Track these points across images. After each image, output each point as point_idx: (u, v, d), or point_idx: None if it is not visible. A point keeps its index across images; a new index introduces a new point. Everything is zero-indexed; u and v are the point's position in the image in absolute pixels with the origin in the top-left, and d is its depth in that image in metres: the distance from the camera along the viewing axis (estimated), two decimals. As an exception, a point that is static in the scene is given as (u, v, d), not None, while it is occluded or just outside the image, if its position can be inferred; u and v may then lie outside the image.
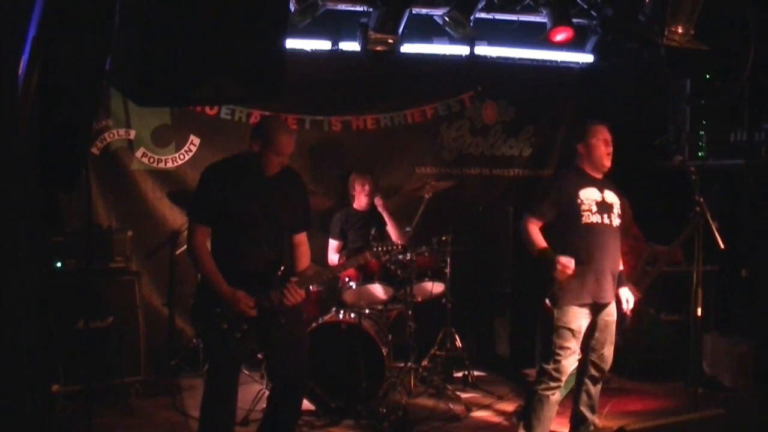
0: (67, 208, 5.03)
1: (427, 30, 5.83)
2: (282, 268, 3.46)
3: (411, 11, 5.32)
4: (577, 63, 6.40)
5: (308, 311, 5.01)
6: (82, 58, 2.25)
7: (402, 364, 5.10)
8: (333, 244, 5.54)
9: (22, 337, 2.02)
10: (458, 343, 5.48)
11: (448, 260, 5.35)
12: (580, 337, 3.82)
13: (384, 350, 4.64)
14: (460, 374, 5.43)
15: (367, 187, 5.50)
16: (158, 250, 5.63)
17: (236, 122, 5.77)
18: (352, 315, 4.72)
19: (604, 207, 3.86)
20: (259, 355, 4.80)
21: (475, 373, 5.41)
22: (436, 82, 6.20)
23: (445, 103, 6.31)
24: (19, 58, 2.08)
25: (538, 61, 6.34)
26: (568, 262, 3.69)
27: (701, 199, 3.99)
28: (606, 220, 3.85)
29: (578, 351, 3.87)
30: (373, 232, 4.95)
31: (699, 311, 4.00)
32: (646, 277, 4.83)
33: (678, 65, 5.25)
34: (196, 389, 4.92)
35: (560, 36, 5.47)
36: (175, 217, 5.58)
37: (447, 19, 5.43)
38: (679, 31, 4.96)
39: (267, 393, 3.94)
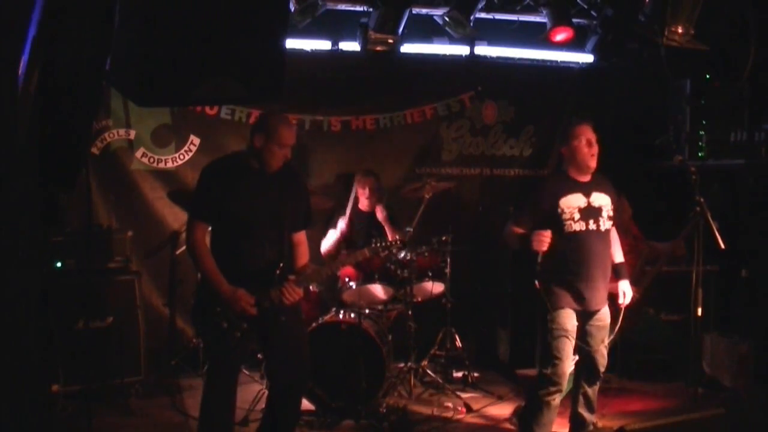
0: (67, 208, 5.02)
1: (427, 30, 5.82)
2: (281, 266, 3.46)
3: (411, 11, 5.31)
4: (577, 63, 6.40)
5: (308, 311, 5.02)
6: (82, 58, 2.25)
7: (402, 364, 5.10)
8: (330, 236, 5.47)
9: (22, 337, 2.02)
10: (458, 343, 5.48)
11: (448, 260, 5.35)
12: (575, 338, 3.82)
13: (384, 350, 4.64)
14: (460, 374, 5.43)
15: (367, 190, 5.45)
16: (158, 250, 5.63)
17: (236, 122, 5.77)
18: (352, 315, 4.72)
19: (589, 212, 3.78)
20: (259, 355, 4.81)
21: (475, 373, 5.41)
22: (436, 82, 6.20)
23: (445, 103, 6.31)
24: (19, 58, 2.08)
25: (538, 61, 6.34)
26: (542, 233, 3.66)
27: (701, 199, 3.99)
28: (592, 226, 3.77)
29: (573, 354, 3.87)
30: (373, 233, 4.97)
31: (699, 311, 4.01)
32: (646, 276, 4.83)
33: (678, 65, 5.25)
34: (196, 389, 4.92)
35: (560, 36, 5.47)
36: (175, 217, 5.58)
37: (447, 19, 5.43)
38: (679, 31, 4.96)
39: (267, 393, 3.94)
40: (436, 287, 5.24)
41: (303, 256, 3.67)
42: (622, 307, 3.99)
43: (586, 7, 5.70)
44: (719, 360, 5.31)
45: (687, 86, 5.60)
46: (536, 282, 3.86)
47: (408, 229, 5.24)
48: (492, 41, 6.11)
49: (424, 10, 5.48)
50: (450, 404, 4.86)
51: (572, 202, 3.78)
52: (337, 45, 5.75)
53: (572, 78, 6.50)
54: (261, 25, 2.27)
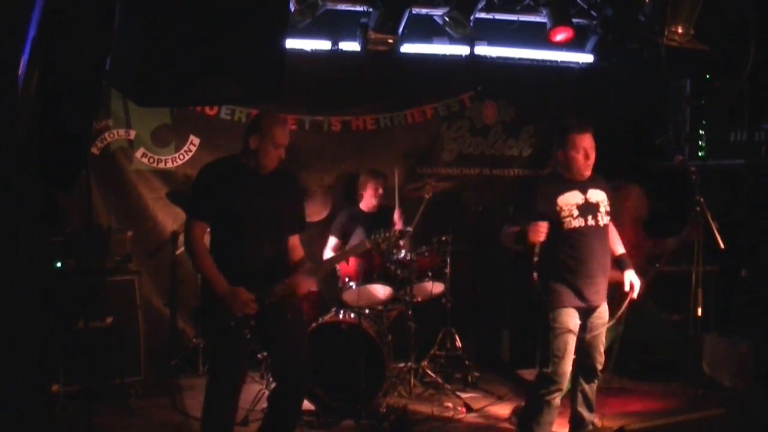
0: (67, 208, 5.02)
1: (427, 30, 5.82)
2: (283, 263, 3.50)
3: (411, 11, 5.31)
4: (577, 63, 6.40)
5: (308, 311, 5.01)
6: (82, 58, 2.25)
7: (402, 364, 5.10)
8: (332, 241, 5.53)
9: (22, 337, 2.02)
10: (458, 343, 5.49)
11: (448, 260, 5.35)
12: (575, 337, 3.82)
13: (384, 350, 4.64)
14: (460, 374, 5.43)
15: (380, 191, 5.50)
16: (158, 250, 5.63)
17: (236, 122, 5.77)
18: (352, 315, 4.72)
19: (587, 208, 3.79)
20: (259, 356, 4.82)
21: (475, 373, 5.41)
22: (436, 82, 6.20)
23: (445, 103, 6.31)
24: (19, 58, 2.08)
25: (538, 61, 6.34)
26: (539, 223, 3.64)
27: (701, 199, 3.99)
28: (591, 222, 3.78)
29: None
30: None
31: (699, 311, 4.01)
32: (647, 275, 4.83)
33: (678, 65, 5.25)
34: (196, 389, 4.92)
35: (560, 36, 5.47)
36: (175, 217, 5.57)
37: (447, 19, 5.43)
38: (679, 31, 4.97)
39: (267, 393, 3.94)
40: (436, 287, 5.24)
41: (299, 257, 3.69)
42: (630, 295, 3.97)
43: (586, 7, 5.70)
44: (719, 360, 5.32)
45: (687, 86, 5.60)
46: (534, 275, 3.81)
47: (408, 228, 5.25)
48: (492, 41, 6.11)
49: (424, 10, 5.48)
50: (450, 404, 4.86)
51: (570, 200, 3.78)
52: (337, 45, 5.75)
53: (572, 78, 6.50)
54: (261, 25, 2.27)
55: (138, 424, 4.51)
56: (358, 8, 5.47)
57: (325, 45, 5.76)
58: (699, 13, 4.97)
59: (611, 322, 3.95)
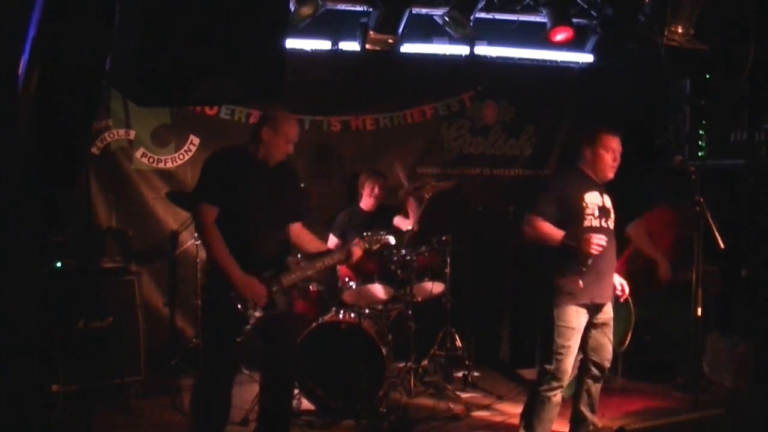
0: (67, 208, 5.02)
1: (427, 30, 5.82)
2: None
3: (411, 11, 5.31)
4: (577, 63, 6.40)
5: (308, 311, 5.02)
6: (82, 58, 2.25)
7: (402, 364, 5.10)
8: (332, 240, 5.54)
9: (22, 337, 2.02)
10: (458, 343, 5.48)
11: (448, 260, 5.35)
12: (580, 336, 3.82)
13: (384, 350, 4.64)
14: (460, 374, 5.44)
15: (377, 190, 5.49)
16: (158, 249, 5.63)
17: (236, 122, 5.77)
18: (352, 315, 4.72)
19: (603, 212, 3.86)
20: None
21: (475, 373, 5.41)
22: (436, 82, 6.20)
23: (445, 103, 6.31)
24: (19, 58, 2.08)
25: (538, 61, 6.34)
26: (598, 236, 3.65)
27: (701, 199, 3.99)
28: (605, 224, 3.85)
29: (577, 351, 3.88)
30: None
31: (699, 311, 4.01)
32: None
33: (678, 65, 5.25)
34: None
35: (560, 36, 5.47)
36: (175, 217, 5.58)
37: (447, 19, 5.43)
38: (679, 31, 4.97)
39: (258, 391, 3.94)
40: (436, 287, 5.24)
41: (312, 241, 3.85)
42: (623, 298, 4.05)
43: (586, 7, 5.70)
44: (719, 360, 5.31)
45: (687, 86, 5.60)
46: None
47: (408, 228, 5.25)
48: (492, 41, 6.11)
49: (424, 10, 5.48)
50: (450, 404, 4.86)
51: (594, 199, 3.84)
52: (337, 45, 5.75)
53: (572, 78, 6.50)
54: (261, 25, 2.27)
55: (138, 424, 4.51)
56: (358, 8, 5.47)
57: (325, 45, 5.76)
58: (699, 13, 4.97)
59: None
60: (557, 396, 3.83)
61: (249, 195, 3.46)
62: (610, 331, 3.96)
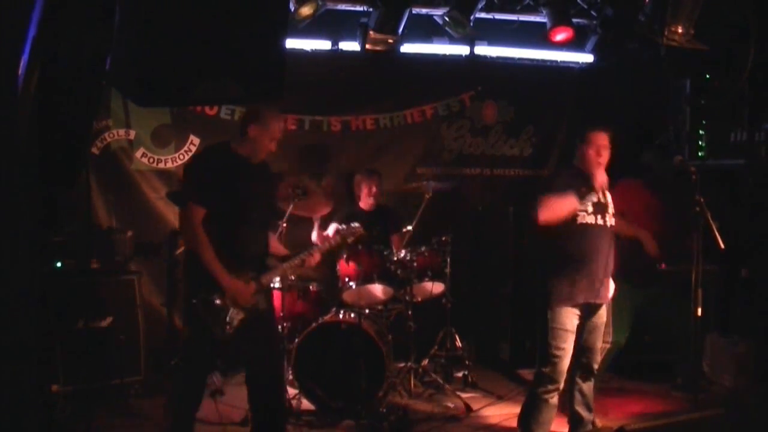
0: (67, 208, 5.02)
1: (427, 30, 5.83)
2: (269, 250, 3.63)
3: (411, 11, 5.32)
4: (577, 63, 6.40)
5: (308, 311, 5.02)
6: (82, 58, 2.25)
7: (402, 364, 5.10)
8: (332, 227, 5.46)
9: (22, 337, 2.02)
10: (458, 343, 5.48)
11: (448, 260, 5.35)
12: (574, 337, 3.82)
13: (384, 350, 4.64)
14: (460, 374, 5.43)
15: (374, 189, 5.51)
16: (158, 249, 5.62)
17: (236, 122, 5.73)
18: (352, 315, 4.72)
19: (599, 207, 3.84)
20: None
21: (475, 373, 5.40)
22: (436, 82, 6.20)
23: (445, 103, 6.31)
24: (19, 58, 2.08)
25: (538, 61, 6.34)
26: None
27: (701, 199, 3.99)
28: (600, 221, 3.83)
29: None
30: (374, 233, 4.97)
31: (699, 311, 4.01)
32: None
33: (678, 65, 5.25)
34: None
35: (560, 36, 5.48)
36: (175, 217, 5.55)
37: (447, 19, 5.44)
38: (679, 31, 4.97)
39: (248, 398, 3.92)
40: (436, 287, 5.23)
41: (280, 248, 3.82)
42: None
43: (586, 7, 5.70)
44: (719, 360, 5.31)
45: (687, 86, 5.60)
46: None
47: (408, 228, 5.25)
48: (492, 41, 6.12)
49: (424, 10, 5.48)
50: (450, 404, 4.86)
51: (588, 196, 3.82)
52: (337, 45, 5.75)
53: (572, 78, 6.50)
54: (261, 25, 2.27)
55: (138, 424, 4.51)
56: (358, 8, 5.47)
57: (325, 45, 5.76)
58: (699, 13, 4.97)
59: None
60: (554, 398, 3.84)
61: (235, 194, 3.46)
62: (601, 334, 3.96)
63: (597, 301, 3.87)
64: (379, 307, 5.15)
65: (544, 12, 5.47)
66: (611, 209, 3.91)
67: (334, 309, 4.89)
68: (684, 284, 4.50)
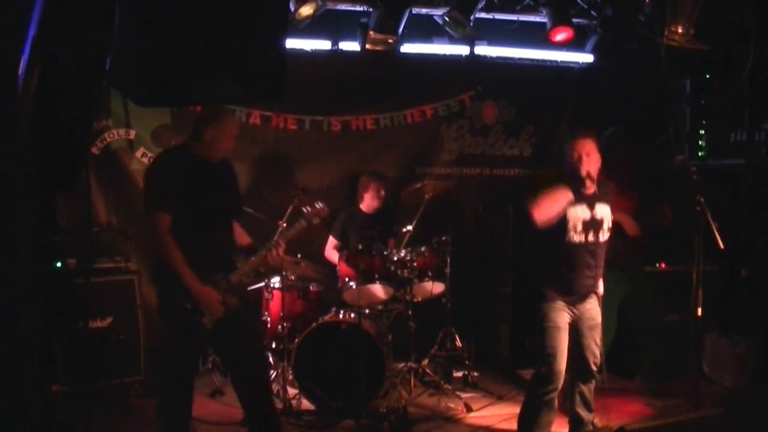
0: (67, 208, 5.02)
1: (427, 30, 5.82)
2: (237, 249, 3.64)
3: (411, 11, 5.31)
4: (577, 63, 6.40)
5: (308, 311, 5.02)
6: (82, 58, 2.25)
7: (402, 364, 5.10)
8: (332, 242, 5.55)
9: (22, 337, 2.02)
10: (458, 343, 5.49)
11: (448, 260, 5.35)
12: (567, 334, 3.82)
13: (384, 350, 4.64)
14: (460, 374, 5.44)
15: (381, 193, 5.54)
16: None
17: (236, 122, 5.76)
18: (352, 315, 4.72)
19: (591, 225, 3.81)
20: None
21: (475, 373, 5.41)
22: (436, 82, 6.20)
23: (445, 103, 6.31)
24: (19, 58, 2.08)
25: (538, 61, 6.34)
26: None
27: (701, 199, 3.99)
28: (591, 238, 3.81)
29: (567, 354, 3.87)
30: (375, 233, 4.98)
31: (699, 311, 4.01)
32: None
33: (678, 65, 5.25)
34: (195, 389, 4.90)
35: (560, 36, 5.47)
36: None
37: (447, 19, 5.43)
38: (679, 31, 4.96)
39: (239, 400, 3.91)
40: (436, 287, 5.24)
41: (241, 233, 3.79)
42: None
43: (586, 7, 5.70)
44: (719, 360, 5.31)
45: (687, 86, 5.59)
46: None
47: (408, 228, 5.25)
48: (492, 41, 6.11)
49: (424, 10, 5.48)
50: (450, 404, 4.87)
51: (578, 214, 3.79)
52: (337, 45, 5.75)
53: (572, 78, 6.50)
54: (261, 25, 2.27)
55: (138, 424, 4.51)
56: (358, 8, 5.46)
57: (325, 45, 5.75)
58: (699, 13, 4.97)
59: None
60: (554, 399, 3.82)
61: (198, 197, 3.43)
62: (598, 334, 3.96)
63: (582, 291, 3.88)
64: (379, 307, 5.15)
65: (544, 12, 5.47)
66: (607, 224, 3.85)
67: (334, 309, 4.89)
68: (682, 283, 4.51)
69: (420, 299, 5.22)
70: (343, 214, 5.61)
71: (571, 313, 3.84)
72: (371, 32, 5.37)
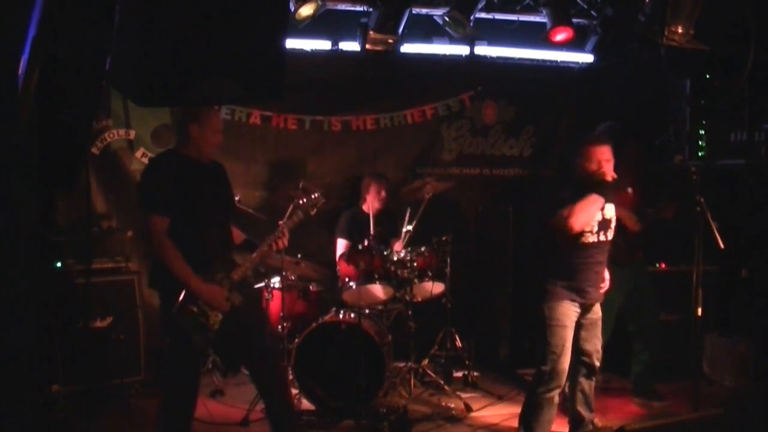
0: (67, 208, 5.02)
1: (427, 30, 5.83)
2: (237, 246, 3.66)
3: (411, 11, 5.32)
4: (577, 63, 6.40)
5: (308, 311, 5.02)
6: (82, 58, 2.25)
7: (402, 364, 5.10)
8: (342, 243, 5.53)
9: (22, 337, 2.02)
10: (458, 343, 5.48)
11: (448, 260, 5.35)
12: (572, 333, 3.83)
13: (384, 350, 4.64)
14: (460, 374, 5.44)
15: (382, 194, 5.53)
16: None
17: (236, 122, 5.77)
18: (352, 315, 4.72)
19: (603, 224, 3.84)
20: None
21: (475, 373, 5.41)
22: (436, 82, 6.20)
23: (445, 103, 6.31)
24: (19, 58, 2.08)
25: (538, 61, 6.34)
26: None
27: (701, 199, 3.99)
28: (602, 237, 3.84)
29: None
30: (374, 233, 4.97)
31: (699, 311, 4.01)
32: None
33: (678, 65, 5.25)
34: (196, 389, 4.92)
35: (560, 36, 5.47)
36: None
37: (447, 19, 5.43)
38: (679, 31, 4.96)
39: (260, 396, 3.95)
40: (436, 287, 5.24)
41: (238, 234, 3.80)
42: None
43: (586, 7, 5.70)
44: (719, 360, 5.31)
45: (687, 86, 5.60)
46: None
47: (408, 228, 5.25)
48: (492, 41, 6.11)
49: (424, 10, 5.48)
50: (450, 404, 4.86)
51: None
52: (337, 45, 5.75)
53: (572, 78, 6.50)
54: (261, 25, 2.27)
55: (138, 424, 4.51)
56: (358, 8, 5.47)
57: (325, 45, 5.76)
58: (699, 13, 4.97)
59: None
60: (555, 397, 3.83)
61: (193, 198, 3.44)
62: (599, 331, 3.97)
63: (592, 302, 3.90)
64: (379, 307, 5.15)
65: (544, 12, 5.47)
66: (614, 222, 3.90)
67: (334, 309, 4.89)
68: (682, 283, 4.52)
69: (420, 299, 5.22)
70: (347, 214, 5.60)
71: (576, 311, 3.84)
72: (371, 32, 5.38)
